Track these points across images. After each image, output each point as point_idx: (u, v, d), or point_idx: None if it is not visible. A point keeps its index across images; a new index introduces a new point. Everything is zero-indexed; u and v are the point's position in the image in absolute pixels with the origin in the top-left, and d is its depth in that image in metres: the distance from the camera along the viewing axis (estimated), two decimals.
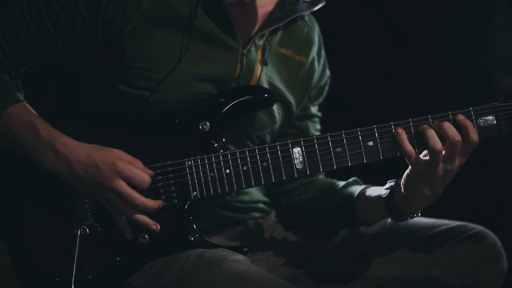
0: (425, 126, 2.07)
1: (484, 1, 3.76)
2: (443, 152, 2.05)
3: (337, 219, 2.39)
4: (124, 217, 2.09)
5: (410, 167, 2.10)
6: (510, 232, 2.71)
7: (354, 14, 3.96)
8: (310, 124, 2.50)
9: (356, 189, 2.34)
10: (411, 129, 2.09)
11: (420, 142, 2.08)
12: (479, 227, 2.33)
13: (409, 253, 2.34)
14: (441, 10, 3.88)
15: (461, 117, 2.07)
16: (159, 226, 2.08)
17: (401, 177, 2.16)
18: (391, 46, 3.95)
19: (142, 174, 2.05)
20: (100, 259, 2.12)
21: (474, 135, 2.05)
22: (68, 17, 2.10)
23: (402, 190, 2.14)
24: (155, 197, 2.10)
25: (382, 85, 3.89)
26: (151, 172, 2.08)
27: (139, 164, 2.08)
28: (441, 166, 2.05)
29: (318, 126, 2.54)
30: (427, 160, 2.06)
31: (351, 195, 2.33)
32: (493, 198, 3.71)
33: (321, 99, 2.55)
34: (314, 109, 2.52)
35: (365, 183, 2.39)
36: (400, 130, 2.08)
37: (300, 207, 2.46)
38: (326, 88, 2.55)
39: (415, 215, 2.19)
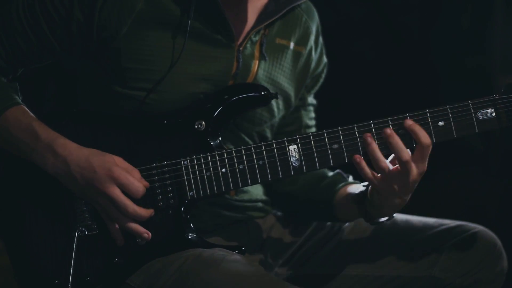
0: (369, 141, 2.05)
1: (484, 1, 3.75)
2: (390, 167, 2.05)
3: (319, 214, 2.40)
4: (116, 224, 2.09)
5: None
6: (510, 232, 2.71)
7: (354, 14, 3.96)
8: (304, 113, 2.50)
9: (337, 186, 2.34)
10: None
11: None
12: (479, 227, 2.32)
13: (409, 253, 2.33)
14: (441, 10, 3.88)
15: (409, 122, 2.05)
16: (150, 235, 2.08)
17: None
18: (391, 46, 3.94)
19: (137, 183, 2.05)
20: (99, 260, 2.11)
21: (425, 139, 2.03)
22: (63, 20, 2.10)
23: (369, 199, 2.14)
24: (151, 197, 2.10)
25: (382, 85, 3.89)
26: (146, 183, 2.08)
27: (137, 173, 2.07)
28: (396, 181, 2.04)
29: (312, 115, 2.54)
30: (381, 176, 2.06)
31: (331, 192, 2.34)
32: (493, 198, 3.71)
33: (317, 87, 2.54)
34: (310, 98, 2.52)
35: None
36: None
37: (287, 198, 2.47)
38: (323, 75, 2.54)
39: (387, 218, 2.19)
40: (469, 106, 2.07)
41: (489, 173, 3.72)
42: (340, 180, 2.38)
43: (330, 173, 2.42)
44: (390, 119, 2.08)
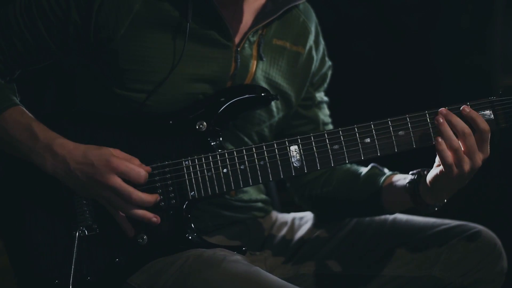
0: (441, 121, 2.04)
1: (484, 1, 3.75)
2: (462, 148, 2.05)
3: (363, 210, 2.40)
4: (123, 215, 2.08)
5: (441, 168, 2.08)
6: (510, 232, 2.71)
7: (354, 14, 3.96)
8: (318, 111, 2.50)
9: (380, 179, 2.33)
10: (408, 125, 2.08)
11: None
12: (479, 227, 2.32)
13: (409, 252, 2.33)
14: (441, 10, 3.88)
15: (467, 109, 2.06)
16: (159, 219, 2.08)
17: (423, 168, 2.17)
18: (391, 46, 3.94)
19: (137, 168, 2.05)
20: (99, 260, 2.12)
21: (484, 125, 2.05)
22: (60, 21, 2.11)
23: (428, 185, 2.13)
24: None
25: (382, 84, 3.89)
26: (148, 168, 2.08)
27: (136, 161, 2.08)
28: (465, 162, 2.04)
29: (327, 111, 2.54)
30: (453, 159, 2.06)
31: (375, 186, 2.32)
32: (493, 198, 3.71)
33: (325, 85, 2.54)
34: (319, 96, 2.52)
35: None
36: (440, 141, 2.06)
37: (324, 199, 2.46)
38: (329, 75, 2.54)
39: (441, 204, 2.19)
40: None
41: (489, 173, 3.72)
42: (380, 173, 2.37)
43: (363, 168, 2.41)
44: (390, 120, 2.09)
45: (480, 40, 3.81)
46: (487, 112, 2.09)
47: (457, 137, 2.04)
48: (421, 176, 2.17)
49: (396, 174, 2.34)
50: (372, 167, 2.39)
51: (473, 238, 2.29)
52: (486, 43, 3.81)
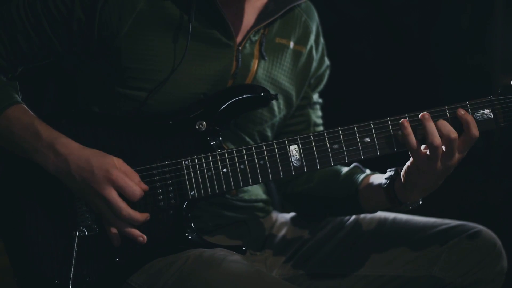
0: (426, 117, 2.04)
1: (484, 1, 3.75)
2: (442, 147, 2.04)
3: (341, 208, 2.39)
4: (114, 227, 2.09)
5: (411, 159, 2.09)
6: (510, 231, 2.71)
7: (354, 14, 3.96)
8: (311, 112, 2.50)
9: (359, 177, 2.33)
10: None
11: (417, 135, 2.07)
12: (479, 226, 2.32)
13: (409, 252, 2.33)
14: (441, 10, 3.88)
15: (461, 111, 2.06)
16: (145, 239, 2.08)
17: (400, 166, 2.15)
18: (391, 46, 3.95)
19: (134, 186, 2.05)
20: (99, 261, 2.11)
21: (475, 130, 2.04)
22: (64, 18, 2.11)
23: (402, 180, 2.13)
24: (152, 197, 2.10)
25: (382, 85, 3.89)
26: (145, 186, 2.08)
27: (136, 177, 2.07)
28: (441, 160, 2.04)
29: (319, 113, 2.54)
30: (428, 154, 2.05)
31: (353, 184, 2.32)
32: (493, 198, 3.71)
33: (321, 86, 2.54)
34: (315, 97, 2.52)
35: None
36: (406, 123, 2.05)
37: (305, 196, 2.46)
38: (326, 75, 2.54)
39: (416, 204, 2.18)
40: (467, 106, 2.08)
41: (489, 173, 3.72)
42: (360, 171, 2.37)
43: (345, 168, 2.41)
44: (389, 119, 2.09)
45: (480, 40, 3.81)
46: (487, 111, 2.09)
47: (440, 137, 2.04)
48: (398, 174, 2.17)
49: (375, 173, 2.34)
50: (353, 167, 2.40)
51: (473, 238, 2.29)
52: (486, 43, 3.81)
